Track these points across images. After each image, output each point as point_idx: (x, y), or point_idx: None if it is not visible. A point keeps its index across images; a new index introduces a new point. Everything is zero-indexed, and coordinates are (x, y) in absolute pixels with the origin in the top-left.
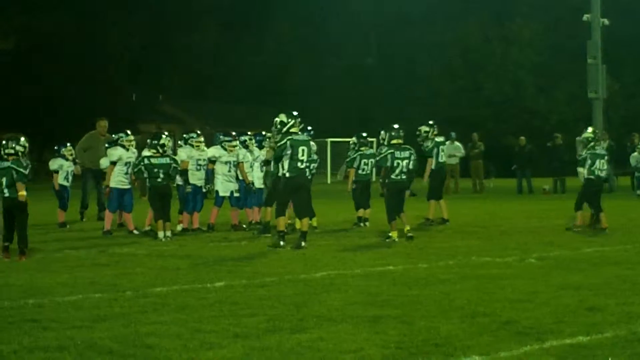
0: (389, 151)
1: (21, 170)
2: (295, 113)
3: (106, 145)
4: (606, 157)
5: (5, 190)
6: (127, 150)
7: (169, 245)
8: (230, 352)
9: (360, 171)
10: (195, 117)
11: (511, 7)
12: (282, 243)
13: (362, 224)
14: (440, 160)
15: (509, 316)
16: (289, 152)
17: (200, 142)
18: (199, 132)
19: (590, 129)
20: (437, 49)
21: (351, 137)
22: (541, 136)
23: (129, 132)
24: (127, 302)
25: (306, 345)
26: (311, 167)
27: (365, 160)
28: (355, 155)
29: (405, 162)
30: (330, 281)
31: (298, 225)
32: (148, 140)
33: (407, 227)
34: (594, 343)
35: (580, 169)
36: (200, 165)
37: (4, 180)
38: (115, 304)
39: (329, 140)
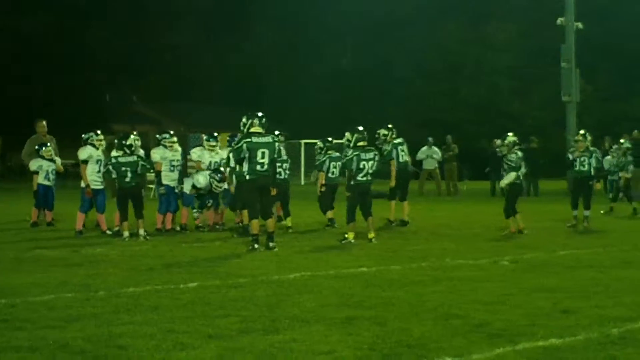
0: (355, 153)
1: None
2: (260, 114)
3: (36, 147)
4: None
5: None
6: (97, 149)
7: (141, 245)
8: (203, 352)
9: (329, 174)
10: (171, 118)
11: (488, 11)
12: (256, 246)
13: (335, 226)
14: (400, 160)
15: (482, 318)
16: (246, 154)
17: (173, 142)
18: (172, 132)
19: (510, 134)
20: (414, 51)
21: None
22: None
23: (99, 131)
24: (100, 302)
25: (279, 347)
26: (284, 167)
27: (334, 163)
28: (324, 159)
29: (370, 163)
30: (304, 282)
31: (371, 235)
32: (115, 141)
33: (372, 234)
34: (566, 346)
35: (512, 174)
36: (173, 166)
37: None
38: (87, 304)
39: (303, 141)
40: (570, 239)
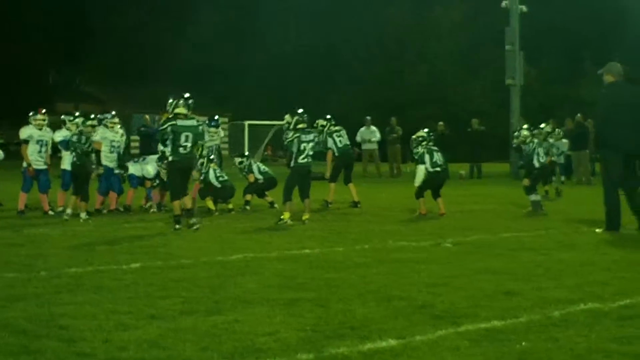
0: (296, 135)
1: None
2: (187, 95)
3: None
4: (439, 152)
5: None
6: (41, 129)
7: (84, 226)
8: (145, 333)
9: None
10: (116, 98)
11: None
12: (177, 227)
13: (276, 206)
14: (339, 145)
15: (424, 300)
16: (170, 136)
17: (115, 123)
18: (113, 113)
19: (426, 130)
20: (358, 36)
21: (272, 121)
22: (459, 122)
23: (44, 111)
24: (42, 282)
25: (222, 327)
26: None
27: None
28: (292, 137)
29: (310, 145)
30: (246, 264)
31: (306, 216)
32: (63, 117)
33: (307, 216)
34: (509, 327)
35: (421, 166)
36: (114, 147)
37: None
38: (29, 285)
39: (247, 123)
40: (513, 221)
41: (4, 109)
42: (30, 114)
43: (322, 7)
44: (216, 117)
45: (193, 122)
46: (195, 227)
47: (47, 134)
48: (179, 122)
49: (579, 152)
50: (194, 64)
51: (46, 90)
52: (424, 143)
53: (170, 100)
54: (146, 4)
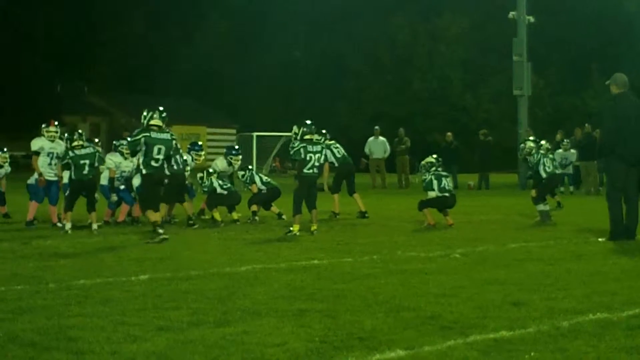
0: (302, 145)
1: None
2: (161, 108)
3: None
4: (448, 177)
5: (160, 160)
6: (53, 142)
7: (92, 237)
8: (153, 345)
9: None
10: (123, 109)
11: (439, 4)
12: (160, 231)
13: (284, 217)
14: (338, 156)
15: (433, 311)
16: (143, 148)
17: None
18: (56, 123)
19: (434, 156)
20: (365, 44)
21: (280, 132)
22: (467, 132)
23: (56, 122)
24: (50, 294)
25: (230, 339)
26: (179, 161)
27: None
28: (298, 147)
29: (317, 155)
30: (255, 275)
31: (314, 227)
32: (66, 134)
33: (315, 227)
34: (517, 338)
35: (431, 193)
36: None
37: (162, 149)
38: (38, 297)
39: (255, 134)
40: (521, 231)
41: (12, 120)
42: (43, 125)
43: (331, 15)
44: (199, 142)
45: (167, 136)
46: (160, 238)
47: (58, 147)
48: (153, 135)
49: (588, 163)
50: (202, 74)
51: (54, 102)
52: (432, 169)
53: (145, 113)
54: (153, 14)
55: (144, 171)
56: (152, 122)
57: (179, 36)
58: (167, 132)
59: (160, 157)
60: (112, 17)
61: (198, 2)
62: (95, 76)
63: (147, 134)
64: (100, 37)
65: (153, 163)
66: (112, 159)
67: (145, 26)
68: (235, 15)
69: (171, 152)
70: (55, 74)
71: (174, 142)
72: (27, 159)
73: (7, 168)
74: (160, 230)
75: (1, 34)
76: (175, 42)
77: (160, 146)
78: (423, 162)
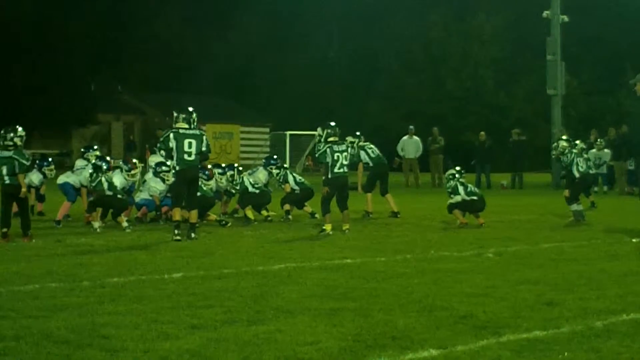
0: (327, 146)
1: (23, 161)
2: (190, 109)
3: None
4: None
5: (6, 178)
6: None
7: (126, 236)
8: (187, 343)
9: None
10: (156, 108)
11: (473, 3)
12: (176, 232)
13: (317, 216)
14: (372, 156)
15: (466, 310)
16: (174, 143)
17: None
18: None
19: (457, 168)
20: (399, 42)
21: (313, 131)
22: (500, 132)
23: (95, 146)
24: (84, 292)
25: (263, 337)
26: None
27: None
28: (324, 148)
29: (344, 154)
30: (288, 273)
31: (345, 226)
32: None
33: (347, 226)
34: (550, 338)
35: (457, 197)
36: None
37: (4, 168)
38: (72, 294)
39: (288, 133)
40: (554, 231)
41: (46, 119)
42: (90, 151)
43: (365, 13)
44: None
45: (196, 132)
46: (195, 239)
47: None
48: (181, 131)
49: (622, 162)
50: (236, 72)
51: (88, 101)
52: (456, 177)
53: (175, 114)
54: (188, 12)
55: (177, 168)
56: (177, 125)
57: (213, 35)
58: (196, 129)
59: (192, 150)
60: (147, 16)
61: (233, 1)
62: (129, 75)
63: (175, 130)
64: (134, 36)
65: (186, 157)
66: (157, 187)
67: (180, 25)
68: (270, 15)
69: (203, 149)
70: (90, 74)
71: (203, 137)
72: (60, 157)
73: (50, 175)
74: (176, 231)
75: (37, 34)
76: (209, 41)
77: (190, 140)
78: (446, 175)
